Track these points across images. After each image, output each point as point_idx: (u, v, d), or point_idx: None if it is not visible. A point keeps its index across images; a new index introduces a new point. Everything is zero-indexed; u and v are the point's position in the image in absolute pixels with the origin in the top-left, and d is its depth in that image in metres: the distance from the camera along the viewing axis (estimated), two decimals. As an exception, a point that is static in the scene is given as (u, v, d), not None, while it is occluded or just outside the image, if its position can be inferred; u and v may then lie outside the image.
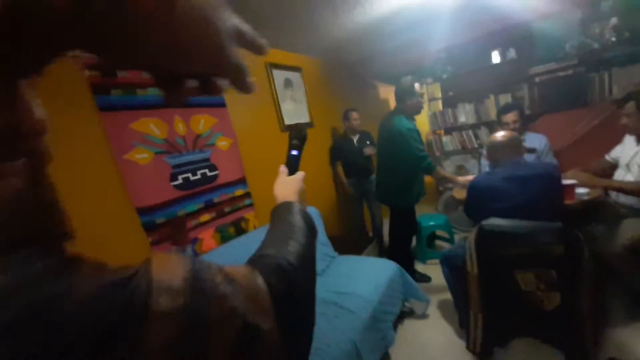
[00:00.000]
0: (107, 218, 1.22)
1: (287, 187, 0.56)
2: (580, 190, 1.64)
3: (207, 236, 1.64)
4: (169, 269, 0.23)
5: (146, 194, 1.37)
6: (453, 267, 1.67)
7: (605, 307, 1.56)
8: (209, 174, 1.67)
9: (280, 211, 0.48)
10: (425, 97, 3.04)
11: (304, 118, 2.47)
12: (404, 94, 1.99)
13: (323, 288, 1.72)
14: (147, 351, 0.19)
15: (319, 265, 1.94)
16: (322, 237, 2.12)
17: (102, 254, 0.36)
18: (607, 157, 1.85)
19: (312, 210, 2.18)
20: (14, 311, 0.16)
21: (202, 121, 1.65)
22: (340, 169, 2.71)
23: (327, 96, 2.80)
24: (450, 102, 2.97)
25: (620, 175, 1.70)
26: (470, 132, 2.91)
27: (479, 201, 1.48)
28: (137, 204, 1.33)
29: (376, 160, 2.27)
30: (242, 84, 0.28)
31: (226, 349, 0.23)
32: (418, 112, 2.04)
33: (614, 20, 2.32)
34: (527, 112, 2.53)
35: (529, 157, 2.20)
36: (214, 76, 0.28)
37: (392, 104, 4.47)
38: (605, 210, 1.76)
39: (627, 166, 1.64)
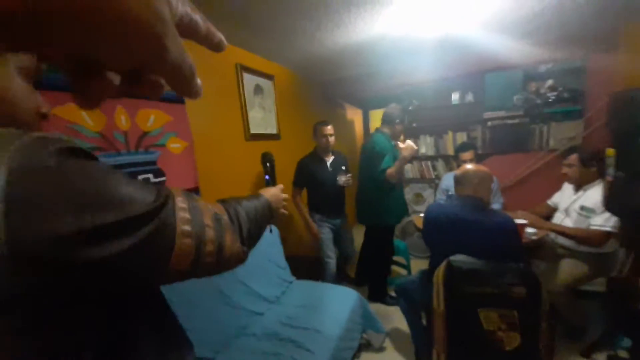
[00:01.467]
0: None
1: (266, 191, 0.70)
2: (530, 230, 1.76)
3: (141, 256, 1.33)
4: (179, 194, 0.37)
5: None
6: (410, 300, 1.63)
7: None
8: (153, 179, 1.38)
9: (252, 195, 0.61)
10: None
11: (272, 128, 2.31)
12: (391, 118, 2.07)
13: (278, 320, 1.52)
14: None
15: (274, 292, 1.74)
16: (279, 259, 1.93)
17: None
18: (549, 202, 2.06)
19: (271, 228, 1.99)
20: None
21: (152, 117, 1.38)
22: (301, 201, 2.12)
23: (297, 109, 2.69)
24: (413, 133, 3.10)
25: (558, 218, 1.88)
26: (429, 162, 3.06)
27: (435, 231, 1.48)
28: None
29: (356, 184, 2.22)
30: (182, 87, 0.21)
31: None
32: (398, 137, 2.11)
33: (549, 82, 2.70)
34: (479, 151, 2.75)
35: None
36: (146, 72, 0.21)
37: (358, 125, 4.59)
38: (545, 250, 1.92)
39: (566, 211, 1.82)
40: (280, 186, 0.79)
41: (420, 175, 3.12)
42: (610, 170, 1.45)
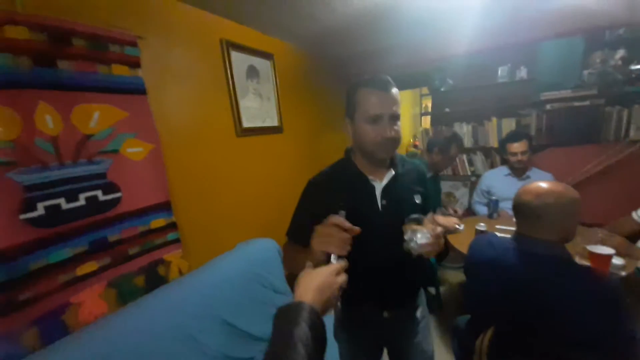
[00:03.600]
0: None
1: (306, 281, 0.54)
2: (617, 262, 1.27)
3: (91, 297, 1.03)
4: None
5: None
6: (463, 346, 1.22)
7: None
8: (102, 197, 1.06)
9: (284, 318, 0.47)
10: (418, 110, 2.63)
11: (271, 120, 1.91)
12: (430, 145, 1.91)
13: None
14: None
15: (264, 329, 1.41)
16: (278, 282, 1.59)
17: None
18: (635, 216, 1.52)
19: (268, 243, 1.64)
20: None
21: (97, 113, 1.03)
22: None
23: (305, 94, 2.25)
24: (445, 120, 2.57)
25: (656, 242, 1.36)
26: (464, 156, 2.54)
27: (477, 284, 1.03)
28: None
29: None
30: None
31: None
32: (438, 169, 1.95)
33: (621, 52, 2.05)
34: (533, 142, 2.19)
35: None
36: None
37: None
38: (631, 287, 1.42)
39: (671, 234, 1.30)
40: (333, 266, 0.57)
41: (453, 171, 2.62)
42: None
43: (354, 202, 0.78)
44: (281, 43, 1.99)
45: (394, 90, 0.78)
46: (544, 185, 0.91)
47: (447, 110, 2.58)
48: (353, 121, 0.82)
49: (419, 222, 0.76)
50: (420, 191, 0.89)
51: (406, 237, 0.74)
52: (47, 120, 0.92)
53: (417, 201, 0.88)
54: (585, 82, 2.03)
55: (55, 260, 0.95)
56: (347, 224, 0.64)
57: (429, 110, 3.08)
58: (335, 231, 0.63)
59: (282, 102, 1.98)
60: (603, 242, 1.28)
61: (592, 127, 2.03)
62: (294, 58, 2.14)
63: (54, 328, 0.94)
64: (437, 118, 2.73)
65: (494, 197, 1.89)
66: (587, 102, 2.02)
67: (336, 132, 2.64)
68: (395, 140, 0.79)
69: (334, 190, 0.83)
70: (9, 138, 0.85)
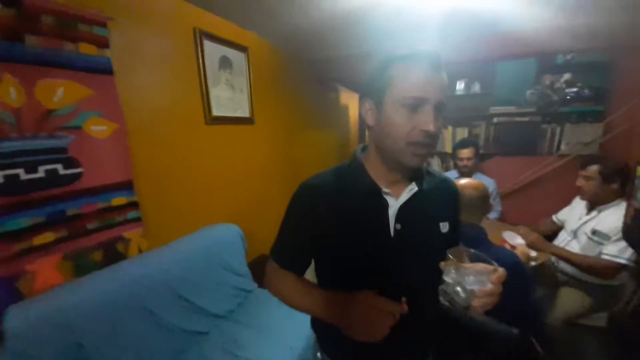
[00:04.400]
0: None
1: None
2: (532, 254, 1.50)
3: (47, 267, 1.06)
4: None
5: None
6: None
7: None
8: (62, 171, 1.09)
9: None
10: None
11: (242, 111, 1.98)
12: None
13: (222, 345, 1.29)
14: None
15: (226, 305, 1.50)
16: (239, 265, 1.68)
17: None
18: (554, 218, 1.78)
19: (232, 228, 1.72)
20: None
21: (61, 89, 1.06)
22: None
23: (278, 90, 2.34)
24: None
25: (564, 239, 1.62)
26: (424, 159, 2.76)
27: None
28: None
29: None
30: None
31: None
32: None
33: (566, 76, 2.35)
34: (481, 151, 2.44)
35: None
36: None
37: (353, 111, 4.22)
38: (542, 274, 1.67)
39: (574, 232, 1.56)
40: (383, 305, 0.50)
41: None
42: (639, 194, 1.16)
43: (358, 222, 0.60)
44: (257, 38, 2.06)
45: (444, 74, 0.56)
46: (463, 182, 1.11)
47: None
48: (381, 106, 0.57)
49: (461, 258, 0.52)
50: (448, 217, 0.67)
51: (447, 278, 0.51)
52: (11, 92, 0.95)
53: (444, 230, 0.65)
54: (527, 101, 2.30)
55: (12, 229, 0.98)
56: (396, 307, 0.51)
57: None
58: (387, 322, 0.49)
59: (255, 95, 2.05)
60: (523, 237, 1.50)
61: (530, 141, 2.31)
62: (270, 54, 2.22)
63: (8, 294, 0.97)
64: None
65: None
66: (527, 119, 2.29)
67: (312, 130, 2.75)
68: (435, 140, 0.57)
69: (334, 201, 0.62)
70: (-32, 106, 0.88)
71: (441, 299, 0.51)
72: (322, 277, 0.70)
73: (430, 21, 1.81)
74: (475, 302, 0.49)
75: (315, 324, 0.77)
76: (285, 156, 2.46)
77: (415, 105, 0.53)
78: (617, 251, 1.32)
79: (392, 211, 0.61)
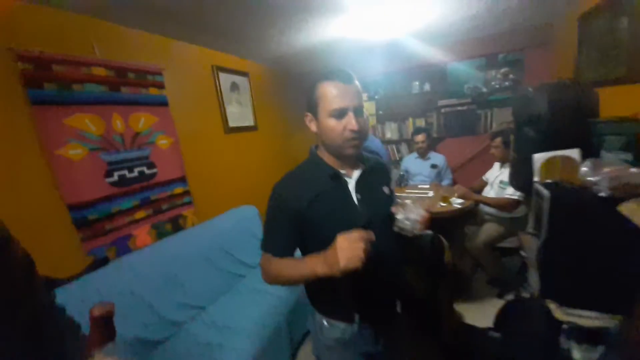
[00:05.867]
0: (35, 213, 1.19)
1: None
2: (457, 201, 2.17)
3: (142, 233, 1.67)
4: None
5: (79, 190, 1.35)
6: None
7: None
8: (147, 171, 1.69)
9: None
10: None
11: (248, 121, 2.59)
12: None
13: (259, 281, 1.90)
14: None
15: (255, 259, 2.11)
16: (259, 232, 2.30)
17: (30, 249, 0.42)
18: (483, 178, 2.47)
19: (251, 210, 2.34)
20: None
21: (142, 119, 1.67)
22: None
23: (274, 100, 2.98)
24: (380, 119, 3.44)
25: (486, 191, 2.30)
26: (394, 146, 3.43)
27: None
28: (68, 200, 1.31)
29: None
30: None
31: None
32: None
33: (504, 69, 3.05)
34: (435, 135, 3.12)
35: (432, 172, 2.76)
36: None
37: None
38: (476, 216, 2.35)
39: (492, 185, 2.24)
40: (354, 235, 0.62)
41: (389, 157, 3.49)
42: (513, 153, 1.84)
43: (330, 198, 0.78)
44: (254, 64, 2.69)
45: (356, 82, 0.75)
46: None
47: (380, 112, 3.45)
48: (317, 118, 0.77)
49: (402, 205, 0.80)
50: (387, 183, 0.91)
51: (399, 216, 0.77)
52: (118, 123, 1.55)
53: (387, 192, 0.89)
54: (465, 94, 2.99)
55: (124, 208, 1.57)
56: (365, 234, 0.63)
57: (369, 112, 3.93)
58: (360, 245, 0.61)
59: (257, 108, 2.67)
60: (456, 191, 2.16)
61: (470, 124, 3.00)
62: (265, 74, 2.85)
63: (123, 247, 1.56)
64: (377, 117, 3.60)
65: (403, 174, 2.78)
66: (465, 107, 2.99)
67: (301, 132, 3.39)
68: (362, 134, 0.76)
69: (306, 189, 0.79)
70: (99, 133, 1.47)
71: (395, 228, 0.79)
72: (305, 251, 0.82)
73: (378, 48, 2.48)
74: (420, 226, 0.77)
75: (309, 289, 0.90)
76: (283, 154, 3.10)
77: (340, 114, 0.73)
78: (512, 192, 2.00)
79: (351, 186, 0.82)
